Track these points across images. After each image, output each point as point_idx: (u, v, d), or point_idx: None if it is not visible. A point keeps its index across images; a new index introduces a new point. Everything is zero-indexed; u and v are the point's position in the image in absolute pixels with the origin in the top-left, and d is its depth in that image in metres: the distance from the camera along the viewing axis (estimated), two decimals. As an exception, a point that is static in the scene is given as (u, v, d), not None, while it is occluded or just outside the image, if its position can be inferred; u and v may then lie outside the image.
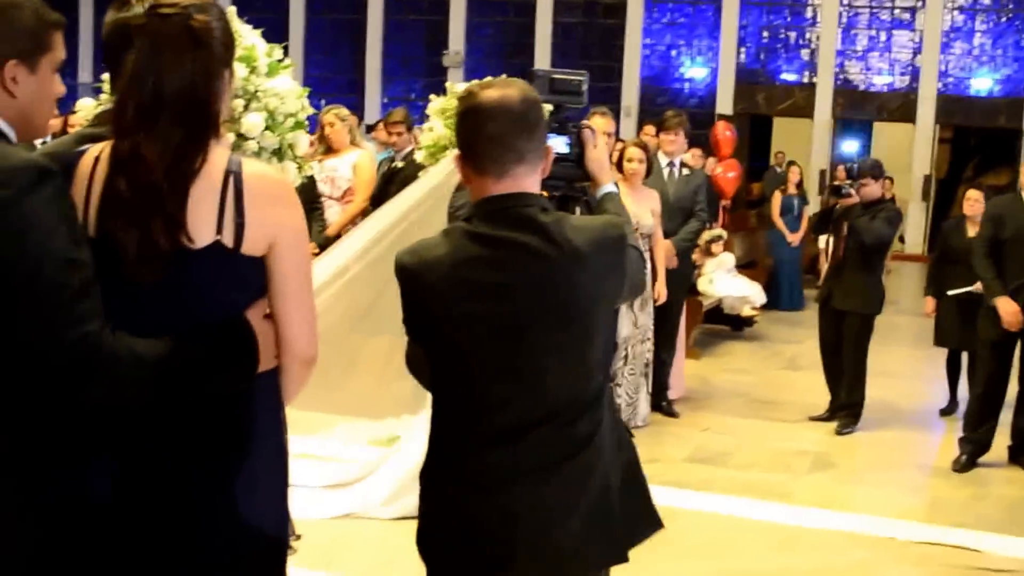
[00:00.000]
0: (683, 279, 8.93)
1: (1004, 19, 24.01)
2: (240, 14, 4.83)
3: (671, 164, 8.77)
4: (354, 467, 6.42)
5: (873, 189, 8.29)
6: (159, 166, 2.51)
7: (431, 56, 26.90)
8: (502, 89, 2.72)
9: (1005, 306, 7.32)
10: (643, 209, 7.88)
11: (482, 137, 2.69)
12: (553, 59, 25.66)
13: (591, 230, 2.71)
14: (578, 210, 3.27)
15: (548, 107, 3.09)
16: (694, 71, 25.60)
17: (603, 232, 2.73)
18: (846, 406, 8.48)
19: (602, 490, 2.77)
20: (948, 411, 9.19)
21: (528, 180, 2.72)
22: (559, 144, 3.10)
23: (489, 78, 2.91)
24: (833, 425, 8.51)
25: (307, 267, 2.73)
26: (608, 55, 25.82)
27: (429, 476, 2.85)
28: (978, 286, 7.90)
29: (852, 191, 8.27)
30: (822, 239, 14.92)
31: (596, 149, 3.19)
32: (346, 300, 6.56)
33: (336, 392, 6.50)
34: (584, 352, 2.72)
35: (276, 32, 6.27)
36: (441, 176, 6.44)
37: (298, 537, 4.94)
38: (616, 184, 3.21)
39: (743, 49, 25.18)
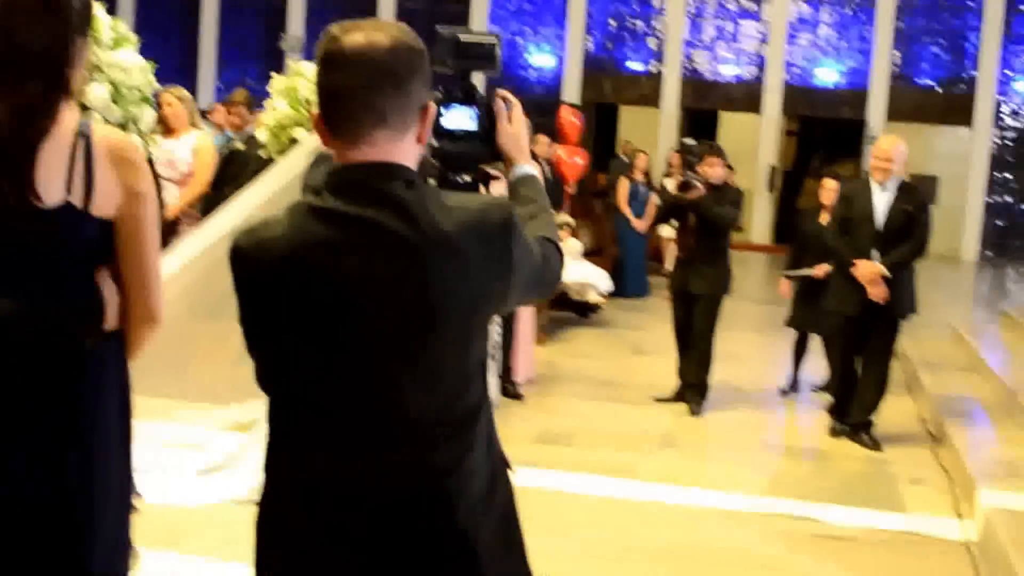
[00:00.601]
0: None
1: (849, 11, 24.91)
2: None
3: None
4: (219, 454, 6.45)
5: (720, 170, 8.65)
6: (7, 125, 2.60)
7: (269, 40, 26.76)
8: (370, 33, 2.27)
9: (864, 268, 7.85)
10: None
11: (336, 91, 2.28)
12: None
13: (466, 212, 2.27)
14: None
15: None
16: (540, 59, 25.94)
17: (482, 215, 2.28)
18: (694, 385, 8.80)
19: (460, 543, 2.32)
20: (789, 391, 9.62)
21: (394, 147, 2.28)
22: (465, 118, 2.72)
23: (361, 19, 2.38)
24: (678, 407, 8.81)
25: (155, 230, 2.84)
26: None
27: (263, 504, 2.40)
28: (818, 270, 8.45)
29: (699, 183, 8.55)
30: (667, 227, 15.35)
31: (512, 123, 2.71)
32: (181, 282, 6.57)
33: (177, 377, 6.51)
34: (451, 364, 2.29)
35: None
36: (305, 156, 6.44)
37: (140, 496, 4.98)
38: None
39: (590, 37, 25.62)
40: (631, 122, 25.18)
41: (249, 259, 2.28)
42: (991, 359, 10.01)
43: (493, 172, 2.93)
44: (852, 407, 8.18)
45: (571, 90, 25.42)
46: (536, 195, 2.64)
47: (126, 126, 5.19)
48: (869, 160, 8.40)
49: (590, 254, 13.70)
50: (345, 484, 2.27)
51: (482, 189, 2.89)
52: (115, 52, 5.14)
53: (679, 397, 8.94)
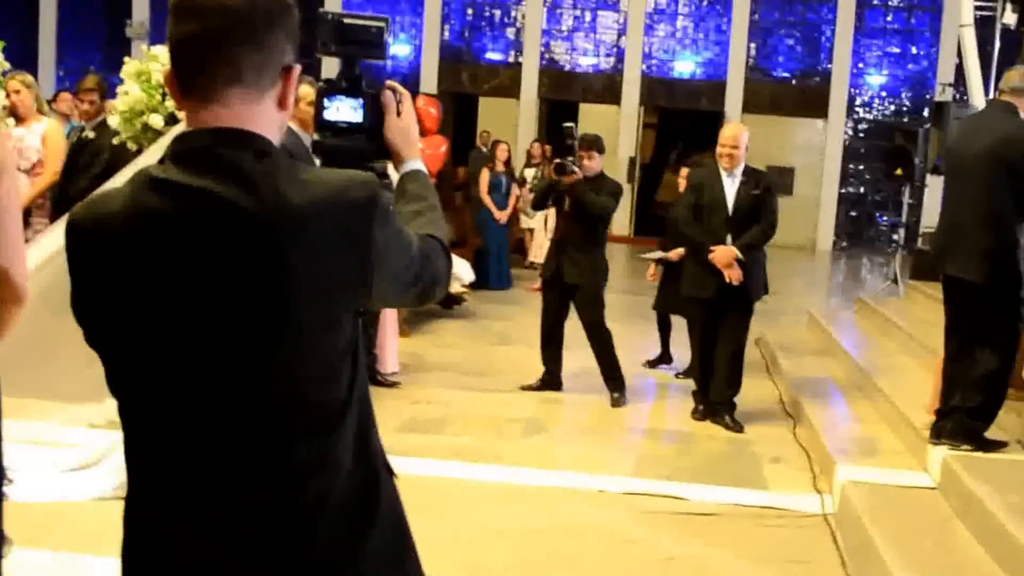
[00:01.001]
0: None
1: (706, 3, 25.50)
2: None
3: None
4: (85, 451, 6.48)
5: (597, 163, 8.92)
6: None
7: (113, 27, 26.38)
8: None
9: (721, 253, 8.30)
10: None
11: (187, 40, 2.09)
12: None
13: (324, 186, 2.06)
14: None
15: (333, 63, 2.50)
16: (397, 48, 26.01)
17: (340, 192, 2.06)
18: (611, 377, 9.05)
19: (327, 549, 2.16)
20: (658, 362, 10.48)
21: (248, 110, 2.10)
22: (349, 110, 2.51)
23: None
24: (545, 394, 9.08)
25: (16, 206, 2.80)
26: (307, 29, 25.86)
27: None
28: (673, 253, 8.96)
29: (576, 168, 8.80)
30: (536, 218, 15.65)
31: (401, 116, 2.53)
32: (39, 278, 6.57)
33: (37, 374, 6.51)
34: (307, 355, 2.08)
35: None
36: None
37: (11, 482, 5.04)
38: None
39: (447, 27, 25.79)
40: (490, 113, 25.43)
41: (84, 235, 2.09)
42: (845, 342, 10.47)
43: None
44: (713, 389, 8.56)
45: (429, 80, 25.59)
46: (425, 192, 2.48)
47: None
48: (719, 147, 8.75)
49: (452, 246, 13.84)
50: (202, 481, 2.10)
51: None
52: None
53: (545, 385, 9.19)
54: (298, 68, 2.17)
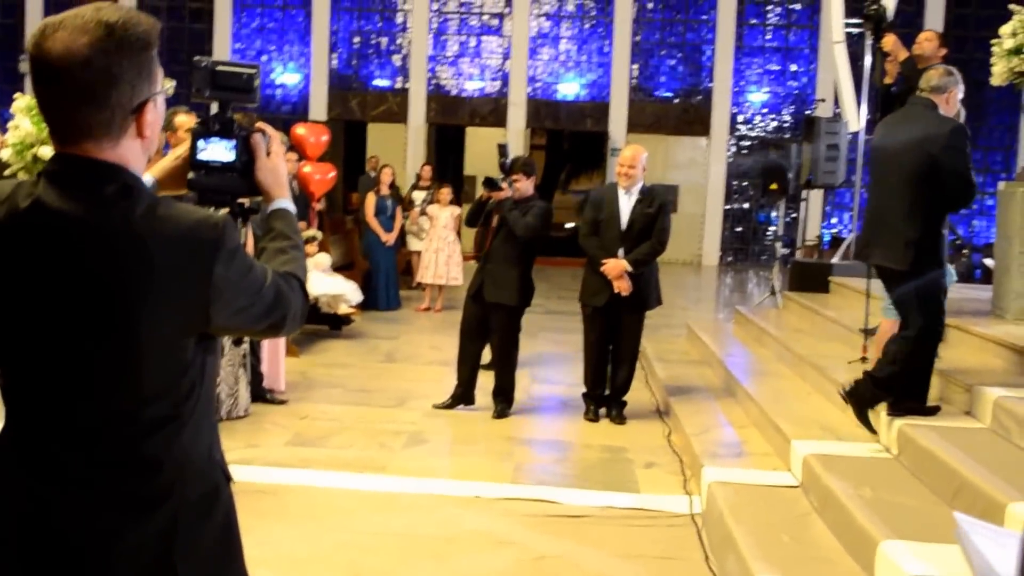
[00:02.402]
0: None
1: (588, 26, 25.87)
2: None
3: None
4: None
5: (526, 186, 9.16)
6: None
7: (5, 63, 26.12)
8: (70, 36, 2.22)
9: (611, 265, 8.89)
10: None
11: (40, 103, 2.31)
12: (137, 64, 25.40)
13: (174, 224, 2.27)
14: (248, 231, 2.82)
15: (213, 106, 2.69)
16: (286, 77, 26.08)
17: (189, 230, 2.28)
18: (500, 391, 9.25)
19: (165, 544, 2.36)
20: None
21: (105, 153, 2.30)
22: (222, 150, 2.66)
23: (79, 8, 2.25)
24: (426, 408, 9.25)
25: None
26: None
27: None
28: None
29: (505, 185, 9.02)
30: (423, 241, 15.78)
31: (270, 157, 2.70)
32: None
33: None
34: (137, 372, 2.29)
35: None
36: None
37: None
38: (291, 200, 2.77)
39: (335, 55, 25.89)
40: (380, 138, 25.55)
41: None
42: (720, 352, 10.74)
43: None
44: (607, 388, 9.25)
45: (318, 108, 25.68)
46: (289, 231, 2.64)
47: None
48: (614, 169, 9.15)
49: (341, 268, 14.05)
50: (54, 462, 2.30)
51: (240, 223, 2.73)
52: None
53: (457, 400, 9.35)
54: (154, 100, 2.35)
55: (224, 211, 2.64)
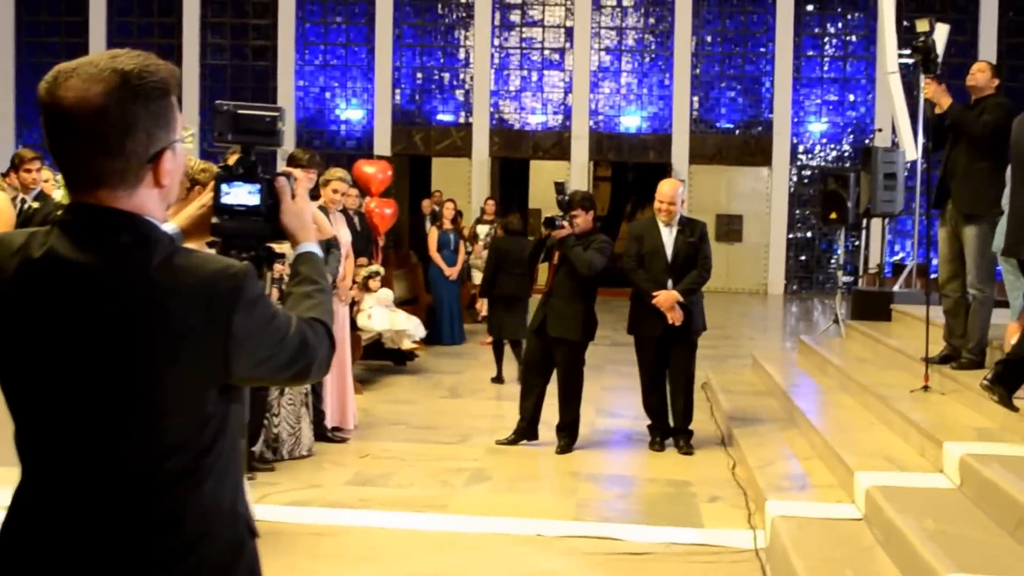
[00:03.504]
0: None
1: (648, 59, 25.83)
2: None
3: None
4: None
5: (585, 220, 9.10)
6: None
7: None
8: (84, 85, 2.16)
9: (663, 297, 8.96)
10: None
11: (53, 151, 2.24)
12: (202, 102, 25.75)
13: (191, 275, 2.21)
14: (271, 276, 2.76)
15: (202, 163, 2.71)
16: (350, 113, 26.22)
17: (207, 281, 2.21)
18: (565, 427, 9.17)
19: None
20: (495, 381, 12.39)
21: (120, 202, 2.24)
22: (246, 194, 2.61)
23: (94, 55, 2.23)
24: (490, 444, 9.20)
25: None
26: (261, 98, 26.10)
27: None
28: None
29: (565, 223, 8.94)
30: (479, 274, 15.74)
31: (295, 200, 2.64)
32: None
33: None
34: (156, 423, 2.22)
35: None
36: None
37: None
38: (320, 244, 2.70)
39: (398, 91, 26.03)
40: (444, 173, 25.61)
41: None
42: (784, 382, 10.60)
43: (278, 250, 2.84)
44: (673, 416, 9.25)
45: (382, 143, 25.79)
46: (315, 275, 2.57)
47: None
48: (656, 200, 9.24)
49: (406, 303, 14.06)
50: (70, 515, 2.22)
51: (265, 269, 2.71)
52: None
53: (521, 436, 9.28)
54: (172, 148, 2.28)
55: (248, 257, 2.60)
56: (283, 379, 2.45)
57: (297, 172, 2.76)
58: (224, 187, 2.63)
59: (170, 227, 2.56)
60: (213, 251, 2.65)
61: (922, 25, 9.04)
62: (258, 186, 2.63)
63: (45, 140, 2.21)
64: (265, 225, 2.64)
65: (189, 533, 2.26)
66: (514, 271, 11.96)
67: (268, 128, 2.69)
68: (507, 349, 12.57)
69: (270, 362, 2.31)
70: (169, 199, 2.35)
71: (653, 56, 25.88)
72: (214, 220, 2.64)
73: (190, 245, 2.62)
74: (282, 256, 2.75)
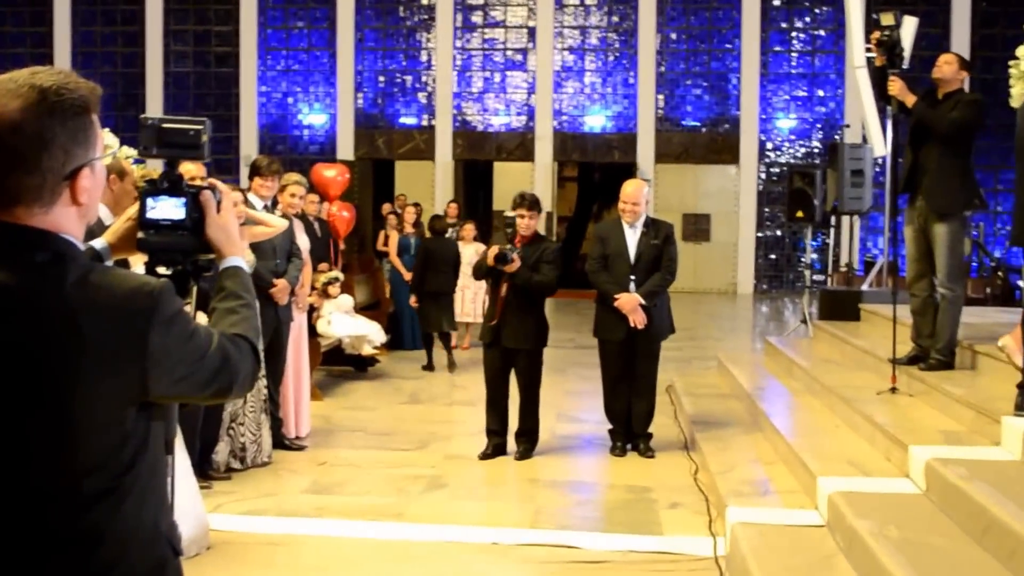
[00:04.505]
0: (288, 315, 9.14)
1: (612, 58, 25.77)
2: None
3: (265, 207, 9.00)
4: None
5: (535, 222, 9.08)
6: None
7: (127, 110, 26.28)
8: (3, 98, 2.17)
9: (625, 300, 8.89)
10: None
11: None
12: (166, 110, 25.66)
13: (106, 292, 2.19)
14: (196, 291, 2.72)
15: (149, 171, 2.65)
16: (313, 117, 26.12)
17: (123, 299, 2.20)
18: (524, 433, 9.07)
19: None
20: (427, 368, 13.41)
21: (36, 219, 2.22)
22: (172, 208, 2.60)
23: (15, 72, 2.24)
24: (448, 451, 9.09)
25: None
26: (225, 104, 26.04)
27: None
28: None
29: (515, 256, 8.78)
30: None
31: (220, 214, 2.62)
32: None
33: None
34: (59, 453, 2.17)
35: None
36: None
37: None
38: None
39: (361, 94, 25.93)
40: (407, 176, 25.51)
41: None
42: (749, 385, 10.51)
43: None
44: (634, 421, 9.15)
45: (345, 147, 25.69)
46: (241, 290, 2.56)
47: None
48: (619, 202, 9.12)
49: (367, 308, 13.93)
50: None
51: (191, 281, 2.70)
52: None
53: (498, 451, 9.10)
54: (91, 166, 2.27)
55: (175, 272, 2.60)
56: (204, 396, 2.41)
57: (222, 185, 2.71)
58: (150, 201, 2.61)
59: (99, 243, 2.65)
60: (140, 267, 2.62)
61: (887, 19, 8.94)
62: (183, 199, 2.61)
63: None
64: (191, 239, 2.62)
65: (109, 552, 2.23)
66: (441, 269, 13.61)
67: (192, 141, 2.67)
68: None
69: (190, 379, 2.30)
70: (88, 217, 2.33)
71: (617, 55, 25.82)
72: (140, 235, 2.62)
73: (119, 259, 2.69)
74: (208, 269, 2.70)
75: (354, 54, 25.91)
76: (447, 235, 14.56)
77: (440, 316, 13.61)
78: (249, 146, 25.70)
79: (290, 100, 26.36)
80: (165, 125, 2.67)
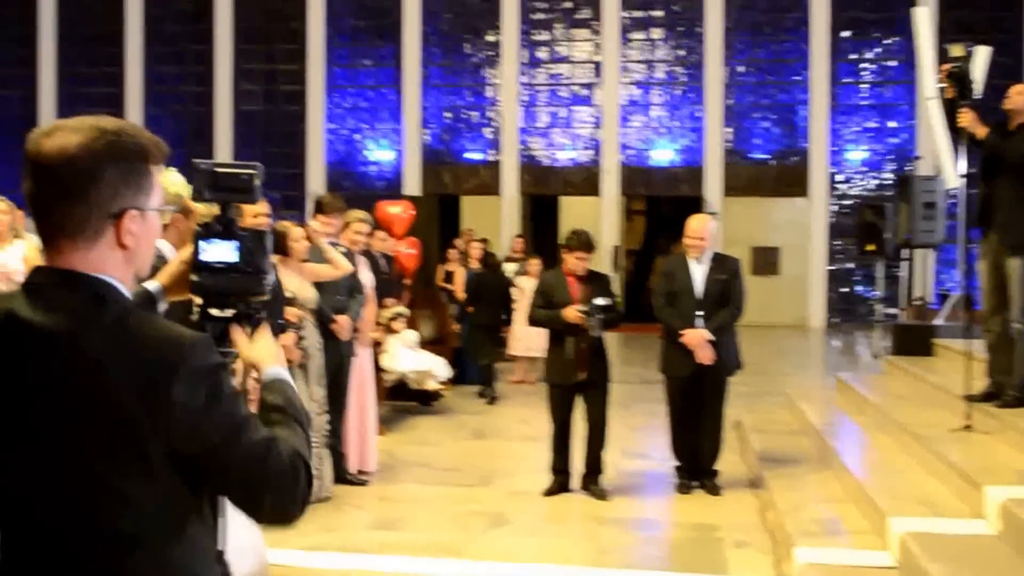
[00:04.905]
0: (350, 350, 9.13)
1: (679, 91, 25.66)
2: None
3: (333, 244, 9.01)
4: None
5: (588, 263, 8.97)
6: None
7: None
8: (62, 136, 2.20)
9: (691, 335, 8.77)
10: (305, 284, 8.25)
11: (26, 199, 2.25)
12: (235, 148, 25.98)
13: (138, 341, 2.18)
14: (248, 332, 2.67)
15: (213, 208, 2.66)
16: (380, 154, 26.25)
17: (154, 349, 2.17)
18: (595, 471, 8.92)
19: None
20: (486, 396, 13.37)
21: (80, 256, 2.24)
22: (226, 251, 2.63)
23: (80, 118, 2.28)
24: (513, 487, 9.02)
25: None
26: (292, 141, 26.25)
27: None
28: None
29: (598, 319, 8.61)
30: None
31: (257, 338, 2.62)
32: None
33: None
34: (99, 501, 2.16)
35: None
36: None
37: None
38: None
39: (427, 130, 26.03)
40: (473, 211, 25.54)
41: None
42: (818, 421, 10.33)
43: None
44: (697, 460, 9.01)
45: (411, 183, 25.76)
46: (284, 402, 2.44)
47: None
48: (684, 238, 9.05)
49: (433, 343, 13.91)
50: None
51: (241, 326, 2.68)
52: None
53: (563, 487, 8.96)
54: (142, 213, 2.29)
55: (220, 315, 2.63)
56: (237, 490, 2.26)
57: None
58: (203, 244, 2.63)
59: (153, 284, 2.70)
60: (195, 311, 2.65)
61: (956, 51, 8.78)
62: (236, 243, 2.64)
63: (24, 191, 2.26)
64: (245, 280, 2.64)
65: None
66: (491, 301, 14.14)
67: (245, 186, 2.69)
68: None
69: (219, 453, 2.19)
70: (136, 265, 2.33)
71: (684, 88, 25.72)
72: (193, 277, 2.63)
73: (178, 300, 2.74)
74: (258, 309, 2.70)
75: (420, 90, 26.03)
76: (501, 269, 14.81)
77: (490, 347, 14.01)
78: (316, 183, 25.85)
79: (357, 137, 26.51)
80: (218, 170, 2.69)
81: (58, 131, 2.21)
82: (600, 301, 8.67)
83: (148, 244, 2.35)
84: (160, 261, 3.72)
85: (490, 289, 14.21)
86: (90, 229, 2.22)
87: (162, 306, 2.73)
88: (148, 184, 2.29)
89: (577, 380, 8.81)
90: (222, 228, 2.65)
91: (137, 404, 2.12)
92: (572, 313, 8.64)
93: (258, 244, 2.65)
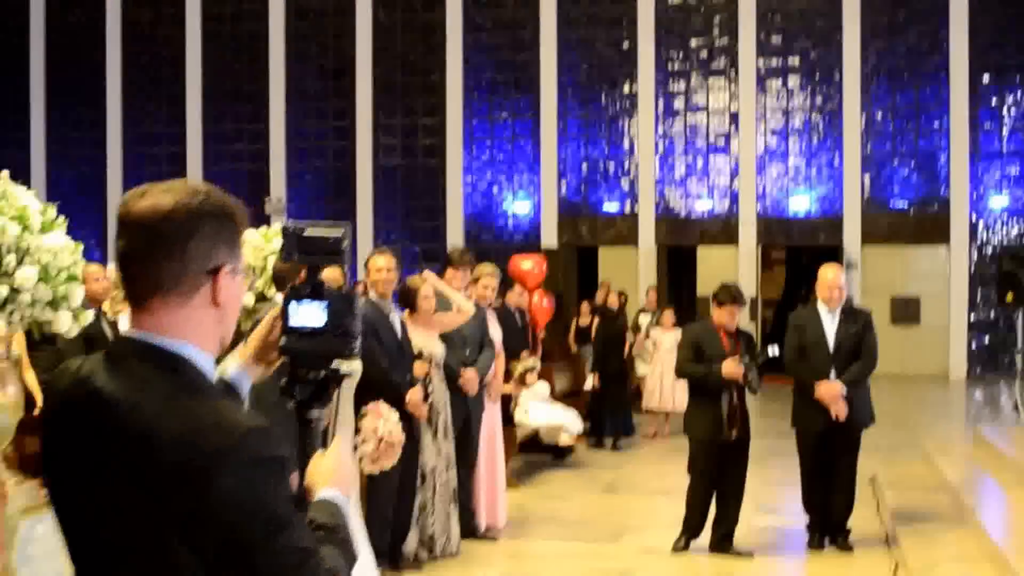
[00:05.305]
0: (479, 405, 9.19)
1: (816, 140, 25.40)
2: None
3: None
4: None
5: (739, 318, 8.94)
6: None
7: (253, 204, 27.12)
8: (156, 196, 2.19)
9: (825, 389, 8.61)
10: (432, 340, 8.34)
11: (118, 257, 2.23)
12: (375, 202, 26.34)
13: (188, 420, 2.06)
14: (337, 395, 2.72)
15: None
16: (517, 206, 26.39)
17: (199, 432, 2.04)
18: (723, 525, 8.81)
19: None
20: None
21: (173, 315, 2.20)
22: (313, 313, 2.60)
23: (169, 181, 2.30)
24: (643, 543, 8.96)
25: None
26: (431, 194, 26.53)
27: None
28: None
29: (755, 377, 8.63)
30: (644, 364, 15.49)
31: (327, 458, 2.54)
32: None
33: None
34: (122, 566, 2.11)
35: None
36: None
37: None
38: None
39: (564, 182, 26.13)
40: (610, 262, 25.49)
41: (47, 393, 2.30)
42: (954, 477, 10.12)
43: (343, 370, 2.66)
44: (830, 516, 8.83)
45: (549, 234, 25.84)
46: (332, 521, 2.33)
47: (56, 303, 5.45)
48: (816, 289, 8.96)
49: (568, 396, 13.92)
50: None
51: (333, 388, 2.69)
52: (44, 236, 5.46)
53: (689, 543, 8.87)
54: (234, 272, 2.26)
55: (319, 379, 2.63)
56: None
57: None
58: (292, 306, 2.61)
59: (232, 367, 2.65)
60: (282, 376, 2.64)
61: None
62: (326, 303, 2.61)
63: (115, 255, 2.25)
64: (334, 342, 2.61)
65: None
66: (617, 350, 14.52)
67: (332, 248, 2.70)
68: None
69: (253, 552, 2.03)
70: (224, 327, 2.29)
71: (821, 136, 25.43)
72: (282, 341, 2.62)
73: (258, 370, 2.70)
74: (347, 376, 2.70)
75: (557, 142, 26.14)
76: (618, 319, 15.26)
77: (621, 397, 14.37)
78: (455, 235, 26.07)
79: (495, 189, 26.71)
80: (306, 234, 2.70)
81: (150, 192, 2.20)
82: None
83: (237, 305, 2.32)
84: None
85: (610, 338, 14.55)
86: (185, 285, 2.19)
87: (246, 385, 2.67)
88: (237, 244, 2.28)
89: (729, 438, 8.68)
90: (311, 290, 2.62)
91: (177, 486, 2.00)
92: (733, 367, 8.53)
93: (346, 306, 2.62)
